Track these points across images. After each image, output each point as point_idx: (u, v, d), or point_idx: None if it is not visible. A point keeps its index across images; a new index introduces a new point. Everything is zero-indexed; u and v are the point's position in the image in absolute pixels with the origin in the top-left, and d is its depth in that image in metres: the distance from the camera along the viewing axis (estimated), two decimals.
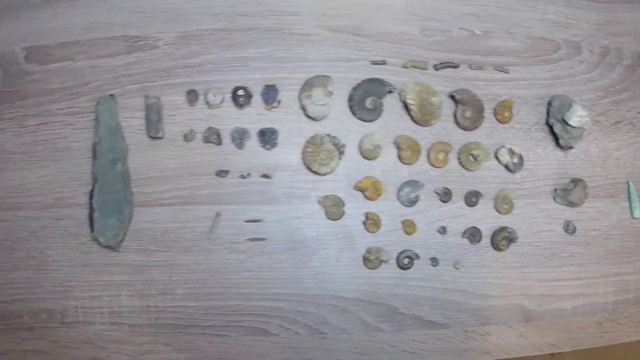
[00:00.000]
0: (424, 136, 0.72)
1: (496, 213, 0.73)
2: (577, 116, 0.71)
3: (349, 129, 0.71)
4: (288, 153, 0.70)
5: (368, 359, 0.71)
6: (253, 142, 0.70)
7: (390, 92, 0.71)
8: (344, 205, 0.70)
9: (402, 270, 0.71)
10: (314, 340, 0.70)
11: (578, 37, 0.76)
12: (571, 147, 0.73)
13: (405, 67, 0.72)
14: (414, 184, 0.71)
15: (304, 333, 0.70)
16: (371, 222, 0.70)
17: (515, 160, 0.72)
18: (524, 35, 0.75)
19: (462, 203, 0.72)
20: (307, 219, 0.70)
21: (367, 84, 0.70)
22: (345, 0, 0.73)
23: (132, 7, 0.72)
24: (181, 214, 0.70)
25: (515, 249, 0.73)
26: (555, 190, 0.74)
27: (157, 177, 0.70)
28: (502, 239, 0.71)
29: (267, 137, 0.70)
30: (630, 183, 0.76)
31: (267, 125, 0.70)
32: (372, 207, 0.71)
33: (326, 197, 0.70)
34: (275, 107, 0.70)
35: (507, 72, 0.73)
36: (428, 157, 0.71)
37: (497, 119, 0.73)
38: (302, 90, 0.70)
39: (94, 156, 0.69)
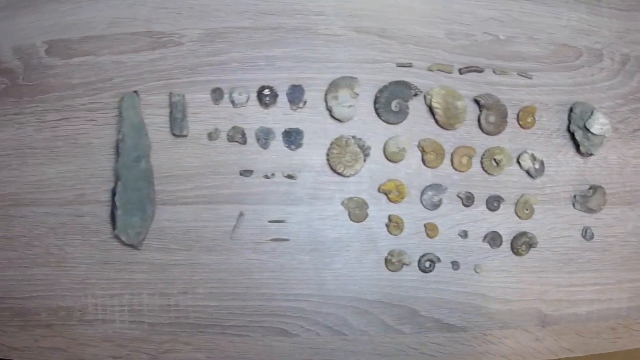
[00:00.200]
0: (447, 140, 0.72)
1: (516, 218, 0.73)
2: (599, 124, 0.72)
3: (374, 131, 0.71)
4: (313, 154, 0.70)
5: None
6: (278, 142, 0.70)
7: (415, 95, 0.71)
8: (367, 207, 0.70)
9: (423, 273, 0.71)
10: (334, 342, 0.70)
11: (599, 44, 0.77)
12: (591, 154, 0.74)
13: (430, 70, 0.72)
14: (437, 187, 0.71)
15: (324, 334, 0.70)
16: (394, 225, 0.70)
17: (537, 165, 0.73)
18: (547, 41, 0.75)
19: (484, 207, 0.72)
20: (330, 220, 0.70)
21: (393, 87, 0.70)
22: (370, 1, 0.73)
23: (156, 3, 0.71)
24: (204, 213, 0.69)
25: (534, 253, 0.73)
26: (575, 196, 0.74)
27: (180, 175, 0.69)
28: (523, 244, 0.72)
29: (292, 138, 0.69)
30: None
31: (292, 126, 0.70)
32: (395, 209, 0.71)
33: (350, 199, 0.70)
34: (301, 108, 0.70)
35: (530, 78, 0.74)
36: (452, 161, 0.71)
37: (519, 125, 0.73)
38: (329, 91, 0.69)
39: (117, 153, 0.68)
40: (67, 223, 0.69)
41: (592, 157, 0.75)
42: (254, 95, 0.70)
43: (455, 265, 0.72)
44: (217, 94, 0.69)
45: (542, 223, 0.74)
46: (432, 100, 0.70)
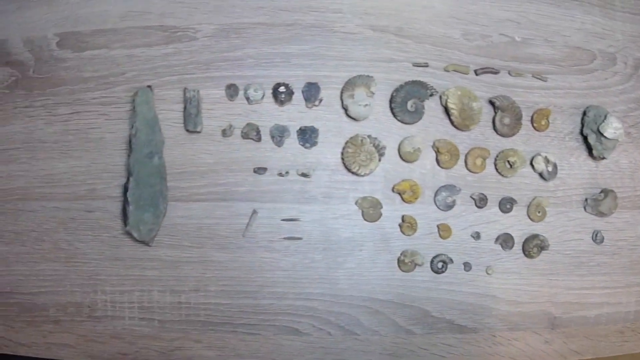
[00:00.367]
0: (462, 141, 0.72)
1: (529, 220, 0.73)
2: (613, 128, 0.72)
3: (389, 131, 0.71)
4: (327, 152, 0.70)
5: None
6: (292, 140, 0.69)
7: (431, 95, 0.70)
8: (381, 207, 0.70)
9: (435, 274, 0.71)
10: (345, 341, 0.70)
11: (613, 48, 0.77)
12: (603, 158, 0.74)
13: (446, 70, 0.72)
14: (451, 188, 0.71)
15: (336, 333, 0.70)
16: (407, 225, 0.70)
17: (550, 168, 0.73)
18: (562, 44, 0.75)
19: (497, 209, 0.72)
20: (344, 219, 0.70)
21: (409, 86, 0.70)
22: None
23: None
24: (217, 210, 0.69)
25: (545, 256, 0.73)
26: (586, 199, 0.74)
27: (193, 172, 0.69)
28: (534, 246, 0.72)
29: (307, 136, 0.69)
30: None
31: (308, 124, 0.69)
32: (408, 210, 0.71)
33: (364, 198, 0.69)
34: (316, 106, 0.69)
35: (545, 81, 0.74)
36: (466, 162, 0.71)
37: (533, 127, 0.73)
38: (345, 89, 0.69)
39: (130, 148, 0.67)
40: (78, 218, 0.69)
41: (604, 161, 0.75)
42: (269, 92, 0.69)
43: (467, 266, 0.71)
44: (232, 90, 0.69)
45: (554, 226, 0.74)
46: (448, 100, 0.70)
